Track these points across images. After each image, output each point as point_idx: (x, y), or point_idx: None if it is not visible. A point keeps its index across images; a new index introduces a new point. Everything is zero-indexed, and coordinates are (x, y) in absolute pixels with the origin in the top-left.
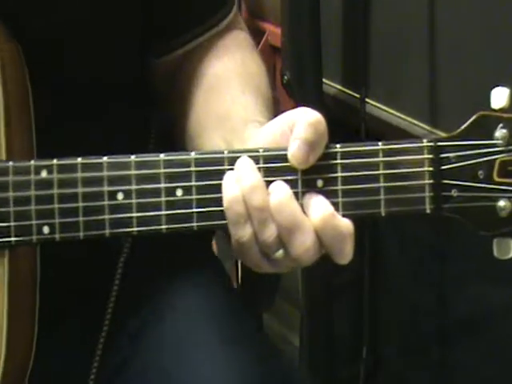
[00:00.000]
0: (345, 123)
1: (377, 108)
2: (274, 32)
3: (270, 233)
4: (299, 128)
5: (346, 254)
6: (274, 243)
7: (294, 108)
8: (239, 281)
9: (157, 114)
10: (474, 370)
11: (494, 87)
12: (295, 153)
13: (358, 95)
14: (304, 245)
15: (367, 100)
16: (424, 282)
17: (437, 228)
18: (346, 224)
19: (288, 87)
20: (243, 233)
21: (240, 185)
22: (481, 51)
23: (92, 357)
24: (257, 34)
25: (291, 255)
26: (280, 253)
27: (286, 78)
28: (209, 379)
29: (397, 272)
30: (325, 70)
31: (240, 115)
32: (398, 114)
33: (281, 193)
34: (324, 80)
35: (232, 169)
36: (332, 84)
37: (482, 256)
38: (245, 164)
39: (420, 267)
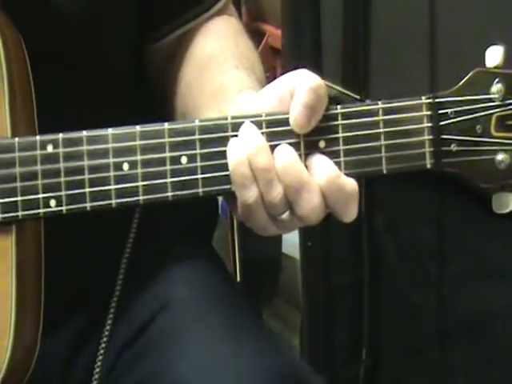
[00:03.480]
0: None
1: None
2: (274, 33)
3: (276, 193)
4: (300, 93)
5: (351, 212)
6: (281, 204)
7: None
8: (238, 279)
9: (155, 105)
10: (474, 371)
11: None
12: (297, 118)
13: (358, 96)
14: (311, 204)
15: (368, 101)
16: (423, 283)
17: (436, 228)
18: (350, 183)
19: None
20: (249, 194)
21: (245, 148)
22: (483, 54)
23: (98, 344)
24: (257, 36)
25: (298, 215)
26: (287, 214)
27: None
28: (209, 369)
29: (396, 272)
30: (325, 70)
31: (234, 86)
32: None
33: (286, 155)
34: (324, 81)
35: (236, 135)
36: (332, 85)
37: (482, 256)
38: (248, 129)
39: (419, 267)
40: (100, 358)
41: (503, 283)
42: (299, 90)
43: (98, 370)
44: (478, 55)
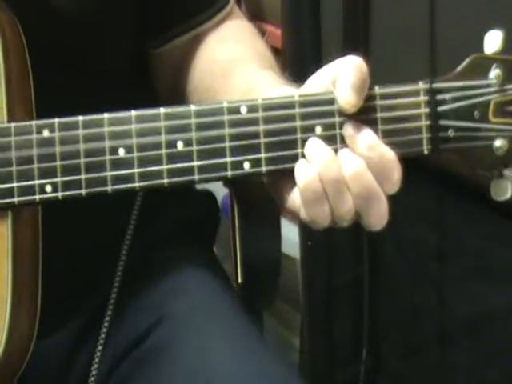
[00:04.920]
0: None
1: None
2: (274, 33)
3: (347, 206)
4: (346, 72)
5: (394, 181)
6: (350, 215)
7: None
8: (239, 280)
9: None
10: (474, 370)
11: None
12: (347, 97)
13: None
14: (379, 213)
15: None
16: (424, 282)
17: (436, 228)
18: (389, 151)
19: None
20: (320, 211)
21: (313, 163)
22: None
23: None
24: None
25: (365, 224)
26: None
27: None
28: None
29: (396, 272)
30: None
31: (266, 83)
32: None
33: (355, 162)
34: None
35: (231, 119)
36: None
37: (482, 256)
38: (314, 143)
39: (420, 267)
40: (95, 366)
41: (503, 283)
42: (344, 71)
43: (92, 378)
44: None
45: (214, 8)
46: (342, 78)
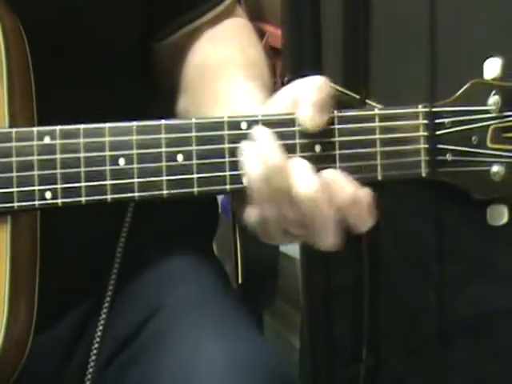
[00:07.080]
0: None
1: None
2: (274, 33)
3: (293, 214)
4: (308, 92)
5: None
6: (298, 224)
7: None
8: (239, 280)
9: (159, 94)
10: (474, 370)
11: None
12: (308, 116)
13: (358, 96)
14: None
15: (367, 101)
16: (424, 282)
17: (437, 227)
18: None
19: None
20: (267, 211)
21: (263, 163)
22: (483, 54)
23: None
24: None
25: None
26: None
27: (286, 78)
28: (197, 376)
29: (396, 272)
30: (325, 70)
31: (243, 100)
32: None
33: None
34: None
35: (231, 134)
36: (332, 85)
37: (482, 256)
38: (264, 136)
39: (420, 267)
40: (93, 358)
41: (503, 283)
42: (305, 90)
43: (90, 370)
44: (478, 55)
45: (208, 4)
46: (303, 97)
